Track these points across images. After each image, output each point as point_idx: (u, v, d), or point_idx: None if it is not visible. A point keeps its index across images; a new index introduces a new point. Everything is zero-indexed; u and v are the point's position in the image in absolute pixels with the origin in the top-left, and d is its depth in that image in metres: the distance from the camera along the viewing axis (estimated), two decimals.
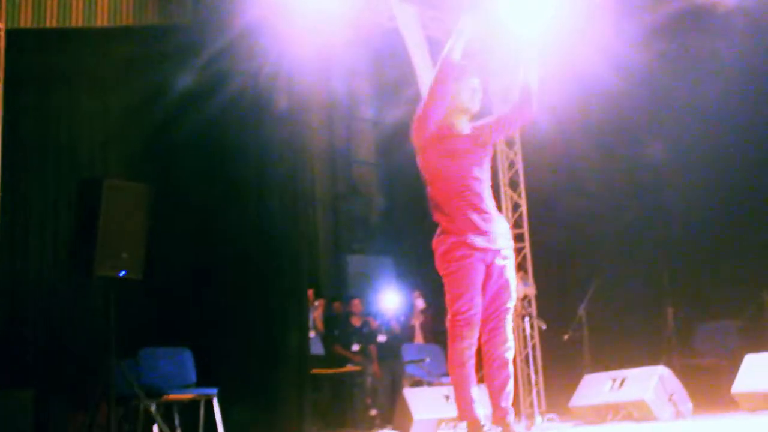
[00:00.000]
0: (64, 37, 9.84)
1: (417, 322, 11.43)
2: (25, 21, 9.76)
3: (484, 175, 4.97)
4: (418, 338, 11.32)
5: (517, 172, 11.01)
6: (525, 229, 10.91)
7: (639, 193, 10.22)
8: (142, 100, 9.67)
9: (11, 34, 8.72)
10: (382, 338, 11.22)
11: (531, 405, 8.31)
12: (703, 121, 9.57)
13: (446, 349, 9.61)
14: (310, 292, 10.87)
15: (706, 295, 9.43)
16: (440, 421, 7.96)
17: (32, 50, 9.58)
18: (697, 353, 9.53)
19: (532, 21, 10.25)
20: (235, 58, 9.19)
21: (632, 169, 10.31)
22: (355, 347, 10.94)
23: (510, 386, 4.92)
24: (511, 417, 4.89)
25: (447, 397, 8.13)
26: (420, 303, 11.55)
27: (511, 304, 4.93)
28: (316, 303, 11.07)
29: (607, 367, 8.47)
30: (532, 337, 10.56)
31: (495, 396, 4.92)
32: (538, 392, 10.35)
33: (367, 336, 11.17)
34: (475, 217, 4.84)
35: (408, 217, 12.72)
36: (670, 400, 7.57)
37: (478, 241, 4.79)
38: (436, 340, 11.19)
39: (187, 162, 9.54)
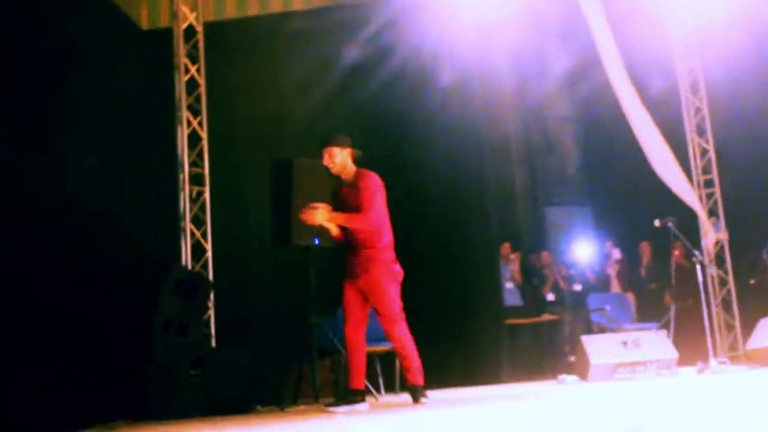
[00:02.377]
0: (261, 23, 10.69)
1: (613, 271, 11.71)
2: (230, 12, 10.76)
3: None
4: (615, 287, 11.61)
5: (703, 118, 11.02)
6: (714, 174, 10.94)
7: None
8: (312, 74, 10.36)
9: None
10: (577, 287, 11.62)
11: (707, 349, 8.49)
12: None
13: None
14: (507, 245, 11.45)
15: None
16: (617, 366, 8.34)
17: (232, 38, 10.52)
18: None
19: None
20: (399, 32, 9.81)
21: None
22: (551, 296, 11.42)
23: (408, 364, 6.55)
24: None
25: (625, 343, 8.50)
26: (616, 252, 11.81)
27: (383, 311, 6.55)
28: (512, 256, 11.60)
29: None
30: (725, 283, 10.66)
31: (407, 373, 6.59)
32: (735, 336, 10.47)
33: (565, 284, 11.62)
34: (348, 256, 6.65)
35: (604, 169, 12.94)
36: None
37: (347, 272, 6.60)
38: (631, 288, 11.45)
39: (363, 128, 10.34)
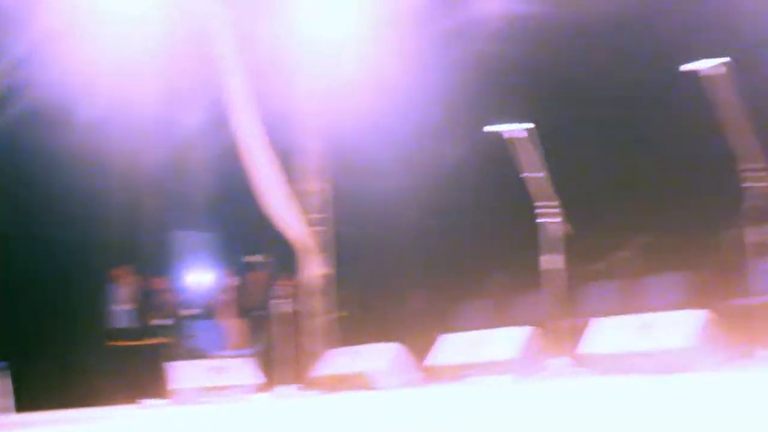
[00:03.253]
0: None
1: (225, 299, 12.35)
2: None
3: None
4: (226, 314, 12.22)
5: (323, 162, 11.98)
6: (329, 213, 11.94)
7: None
8: None
9: None
10: (189, 312, 12.20)
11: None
12: None
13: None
14: (121, 269, 11.80)
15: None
16: (201, 390, 9.00)
17: None
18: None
19: (332, 25, 11.31)
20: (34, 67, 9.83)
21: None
22: (163, 321, 11.86)
23: None
24: None
25: (212, 369, 9.20)
26: (230, 280, 12.47)
27: None
28: (129, 279, 11.94)
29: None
30: (326, 313, 11.69)
31: None
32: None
33: (175, 310, 12.15)
34: None
35: (233, 200, 13.57)
36: (400, 372, 8.64)
37: None
38: (241, 316, 12.14)
39: None
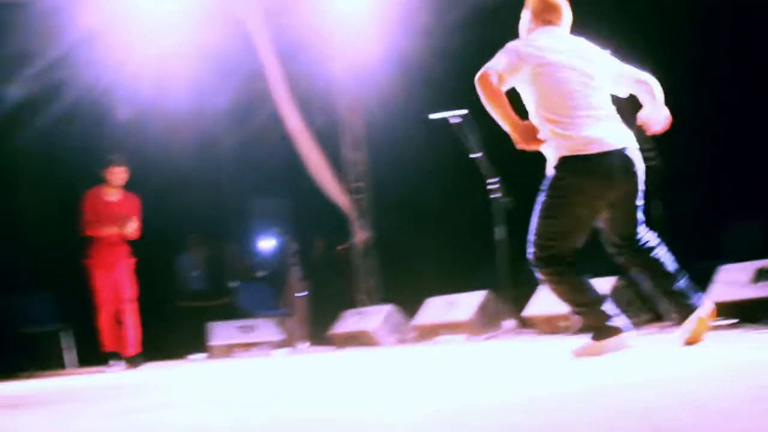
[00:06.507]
0: None
1: (287, 262, 13.55)
2: None
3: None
4: (287, 277, 13.40)
5: (359, 134, 13.07)
6: (365, 183, 13.03)
7: None
8: None
9: None
10: (261, 273, 13.58)
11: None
12: None
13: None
14: (194, 236, 13.26)
15: None
16: (233, 346, 10.32)
17: None
18: None
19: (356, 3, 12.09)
20: (71, 68, 10.72)
21: None
22: (233, 283, 13.26)
23: None
24: None
25: (242, 328, 10.51)
26: (292, 245, 13.66)
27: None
28: (202, 245, 13.38)
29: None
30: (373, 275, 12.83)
31: None
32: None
33: (246, 273, 13.55)
34: None
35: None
36: (394, 330, 9.79)
37: None
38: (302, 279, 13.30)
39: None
